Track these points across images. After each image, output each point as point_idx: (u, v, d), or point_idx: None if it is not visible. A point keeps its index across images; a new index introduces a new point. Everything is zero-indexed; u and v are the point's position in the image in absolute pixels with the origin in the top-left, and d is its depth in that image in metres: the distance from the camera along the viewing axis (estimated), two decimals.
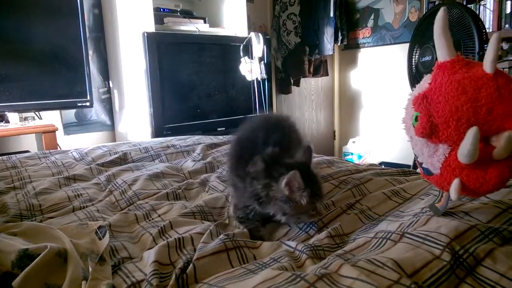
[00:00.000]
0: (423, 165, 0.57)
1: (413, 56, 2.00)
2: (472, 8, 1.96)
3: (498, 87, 0.49)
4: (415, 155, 0.59)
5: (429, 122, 0.50)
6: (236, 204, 0.77)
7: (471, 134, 0.46)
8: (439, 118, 0.49)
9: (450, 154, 0.50)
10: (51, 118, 2.43)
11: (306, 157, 0.71)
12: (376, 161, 3.33)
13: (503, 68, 2.35)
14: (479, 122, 0.48)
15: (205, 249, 0.58)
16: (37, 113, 2.30)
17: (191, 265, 0.54)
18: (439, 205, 0.62)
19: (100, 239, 0.66)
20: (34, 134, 2.18)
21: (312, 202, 0.66)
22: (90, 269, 0.56)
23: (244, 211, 0.73)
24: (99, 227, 0.69)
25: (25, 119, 2.25)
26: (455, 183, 0.50)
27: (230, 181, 0.81)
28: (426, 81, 0.55)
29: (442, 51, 0.54)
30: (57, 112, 2.48)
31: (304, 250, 0.57)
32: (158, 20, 2.42)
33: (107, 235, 0.66)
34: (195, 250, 0.60)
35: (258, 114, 0.74)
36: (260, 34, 2.66)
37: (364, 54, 3.37)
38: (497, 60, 0.51)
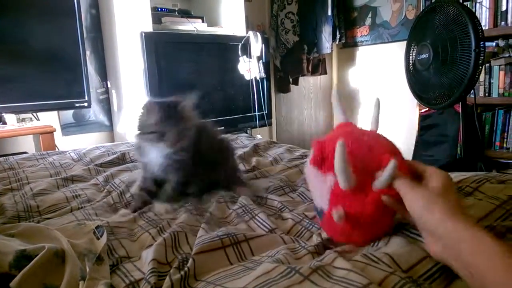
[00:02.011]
0: (318, 208, 0.62)
1: (411, 54, 2.01)
2: (468, 6, 1.96)
3: (377, 135, 0.61)
4: (313, 201, 0.66)
5: (320, 152, 0.57)
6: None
7: (338, 147, 0.51)
8: (329, 150, 0.57)
9: (335, 183, 0.55)
10: (49, 119, 2.43)
11: (176, 99, 0.84)
12: None
13: (500, 65, 2.36)
14: (361, 155, 0.55)
15: (203, 243, 0.58)
16: (34, 114, 2.30)
17: (190, 259, 0.55)
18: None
19: (98, 238, 0.66)
20: (31, 135, 2.18)
21: (160, 126, 0.79)
22: (88, 269, 0.56)
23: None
24: (97, 227, 0.69)
25: (23, 120, 2.25)
26: (338, 210, 0.54)
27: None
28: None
29: (339, 116, 0.68)
30: (55, 113, 2.47)
31: (306, 246, 0.58)
32: (156, 19, 2.42)
33: (105, 234, 0.66)
34: (191, 249, 0.60)
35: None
36: (258, 33, 2.66)
37: (362, 52, 3.38)
38: (378, 120, 0.65)
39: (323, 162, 0.57)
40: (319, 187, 0.59)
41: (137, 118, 0.83)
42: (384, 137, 0.60)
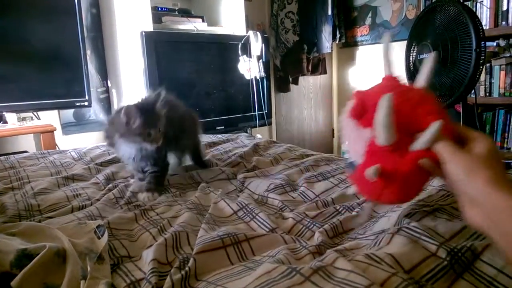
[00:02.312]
0: (348, 160, 0.59)
1: (411, 54, 2.01)
2: (469, 6, 1.96)
3: (425, 93, 0.56)
4: (345, 153, 0.61)
5: (361, 103, 0.54)
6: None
7: (384, 100, 0.48)
8: (371, 102, 0.54)
9: (373, 138, 0.52)
10: (50, 118, 2.42)
11: (153, 97, 0.94)
12: None
13: (500, 65, 2.36)
14: (405, 112, 0.52)
15: (204, 243, 0.58)
16: (35, 113, 2.30)
17: (191, 259, 0.55)
18: (361, 221, 0.66)
19: (98, 238, 0.66)
20: (32, 134, 2.17)
21: (144, 128, 0.88)
22: (89, 268, 0.56)
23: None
24: (98, 226, 0.69)
25: (23, 119, 2.25)
26: (373, 166, 0.52)
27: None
28: None
29: (386, 69, 0.62)
30: (55, 112, 2.47)
31: (307, 246, 0.58)
32: (156, 19, 2.41)
33: (106, 234, 0.66)
34: (192, 250, 0.60)
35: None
36: (258, 33, 2.66)
37: (362, 52, 3.37)
38: (430, 77, 0.58)
39: (363, 115, 0.54)
40: (355, 140, 0.56)
41: (118, 123, 0.91)
42: (431, 96, 0.56)
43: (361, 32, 3.32)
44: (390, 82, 0.59)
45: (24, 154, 1.40)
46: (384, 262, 0.47)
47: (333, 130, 3.74)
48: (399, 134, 0.50)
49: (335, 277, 0.46)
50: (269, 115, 2.93)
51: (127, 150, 0.97)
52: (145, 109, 0.89)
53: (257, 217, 0.73)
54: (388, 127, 0.49)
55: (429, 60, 0.59)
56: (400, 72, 2.67)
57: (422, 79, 0.58)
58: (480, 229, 0.45)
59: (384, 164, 0.52)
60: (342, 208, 0.76)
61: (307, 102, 3.53)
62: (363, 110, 0.54)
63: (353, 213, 0.73)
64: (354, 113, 0.55)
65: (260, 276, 0.47)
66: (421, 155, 0.50)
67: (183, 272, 0.52)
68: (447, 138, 0.49)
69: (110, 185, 0.99)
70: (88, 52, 2.54)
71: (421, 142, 0.49)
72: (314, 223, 0.69)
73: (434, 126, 0.48)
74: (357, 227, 0.67)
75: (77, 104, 2.25)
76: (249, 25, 2.95)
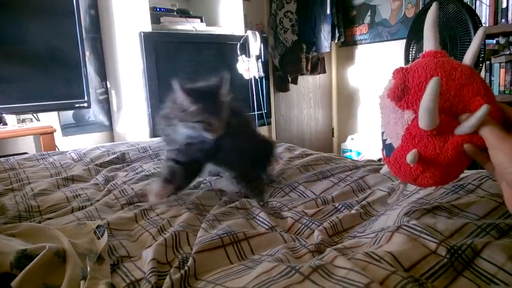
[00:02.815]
0: (386, 142, 0.57)
1: (410, 52, 2.01)
2: (468, 3, 1.96)
3: (472, 72, 0.52)
4: (382, 134, 0.60)
5: (402, 84, 0.51)
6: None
7: (432, 83, 0.45)
8: (413, 82, 0.51)
9: (413, 121, 0.50)
10: (49, 119, 2.42)
11: (216, 82, 0.82)
12: (375, 157, 3.33)
13: (501, 63, 2.35)
14: (450, 94, 0.50)
15: (203, 242, 0.58)
16: (34, 114, 2.30)
17: (191, 258, 0.55)
18: (391, 201, 0.64)
19: (98, 238, 0.66)
20: (32, 136, 2.17)
21: (206, 117, 0.77)
22: (89, 269, 0.56)
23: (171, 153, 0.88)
24: (98, 227, 0.69)
25: (23, 121, 2.25)
26: (413, 151, 0.50)
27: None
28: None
29: (429, 42, 0.57)
30: (55, 113, 2.47)
31: (306, 245, 0.58)
32: (155, 19, 2.41)
33: (106, 234, 0.66)
34: (192, 250, 0.60)
35: None
36: (257, 33, 2.66)
37: (362, 51, 3.37)
38: (477, 54, 0.54)
39: (403, 95, 0.51)
40: (393, 121, 0.53)
41: (175, 102, 0.81)
42: (478, 75, 0.52)
43: (360, 31, 3.31)
44: (436, 57, 0.54)
45: (24, 156, 1.40)
46: (383, 260, 0.47)
47: (332, 129, 3.74)
48: (442, 116, 0.48)
49: (335, 276, 0.46)
50: (269, 115, 2.93)
51: (180, 136, 0.84)
52: (208, 93, 0.80)
53: (257, 216, 0.73)
54: (432, 112, 0.46)
55: (477, 36, 0.54)
56: None
57: (469, 57, 0.54)
58: None
59: (424, 149, 0.49)
60: (341, 206, 0.76)
61: (306, 102, 3.52)
62: (404, 91, 0.51)
63: (352, 211, 0.73)
64: (394, 95, 0.52)
65: (259, 275, 0.47)
66: (465, 140, 0.48)
67: (182, 271, 0.52)
68: (494, 121, 0.47)
69: (109, 186, 0.99)
70: (87, 53, 2.54)
71: (466, 126, 0.47)
72: (313, 221, 0.69)
73: (481, 110, 0.45)
74: (386, 207, 0.65)
75: (77, 105, 2.25)
76: (248, 25, 2.95)
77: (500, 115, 0.49)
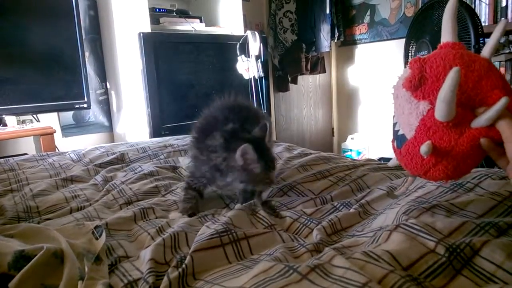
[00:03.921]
0: (398, 133, 0.56)
1: (410, 51, 2.00)
2: (467, 2, 1.96)
3: (490, 65, 0.51)
4: (394, 125, 0.58)
5: (420, 74, 0.50)
6: (194, 173, 0.88)
7: (452, 74, 0.45)
8: (431, 73, 0.50)
9: (428, 112, 0.49)
10: (49, 120, 2.42)
11: (261, 132, 0.82)
12: (375, 157, 3.33)
13: (500, 61, 2.35)
14: (467, 86, 0.49)
15: (202, 241, 0.58)
16: (34, 115, 2.30)
17: (188, 257, 0.54)
18: (398, 192, 0.63)
19: (96, 239, 0.66)
20: (32, 137, 2.18)
21: (265, 172, 0.77)
22: (87, 269, 0.56)
23: (198, 180, 0.85)
24: (96, 227, 0.69)
25: (23, 122, 2.25)
26: (427, 142, 0.49)
27: (192, 154, 0.91)
28: None
29: (447, 34, 0.56)
30: (54, 114, 2.47)
31: (305, 244, 0.57)
32: (154, 20, 2.41)
33: (104, 234, 0.66)
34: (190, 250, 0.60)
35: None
36: (256, 33, 2.66)
37: (361, 50, 3.37)
38: (496, 47, 0.53)
39: (420, 85, 0.50)
40: (407, 111, 0.52)
41: (228, 158, 0.78)
42: (496, 68, 0.51)
43: (360, 30, 3.31)
44: (454, 49, 0.53)
45: (24, 157, 1.40)
46: (382, 259, 0.47)
47: (332, 128, 3.73)
48: (459, 109, 0.47)
49: (332, 275, 0.45)
50: (269, 114, 2.93)
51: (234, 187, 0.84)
52: (262, 150, 0.78)
53: (257, 214, 0.73)
54: (450, 103, 0.45)
55: (497, 29, 0.53)
56: (399, 70, 2.66)
57: (488, 49, 0.53)
58: None
59: (439, 140, 0.49)
60: (340, 205, 0.76)
61: (306, 101, 3.52)
62: (421, 82, 0.50)
63: (351, 210, 0.72)
64: (410, 84, 0.50)
65: (257, 275, 0.47)
66: (482, 133, 0.47)
67: (180, 270, 0.52)
68: (511, 115, 0.46)
69: (108, 186, 0.99)
70: (87, 54, 2.54)
71: (483, 118, 0.46)
72: (311, 220, 0.69)
73: (500, 102, 0.44)
74: (393, 198, 0.64)
75: (76, 106, 2.25)
76: (247, 25, 2.95)
77: None
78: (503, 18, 0.53)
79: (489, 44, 0.53)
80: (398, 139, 0.55)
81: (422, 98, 0.50)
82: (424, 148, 0.49)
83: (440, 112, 0.47)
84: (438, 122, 0.48)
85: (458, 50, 0.53)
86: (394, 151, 0.58)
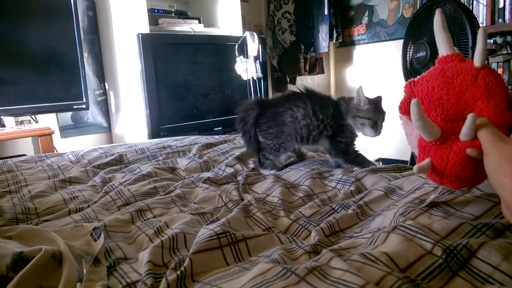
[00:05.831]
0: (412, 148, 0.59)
1: (408, 52, 2.01)
2: (465, 3, 1.96)
3: (476, 76, 0.52)
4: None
5: (408, 99, 0.53)
6: (269, 146, 1.07)
7: (412, 107, 0.47)
8: (418, 95, 0.53)
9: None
10: (48, 121, 2.42)
11: (378, 98, 1.03)
12: (373, 157, 3.33)
13: (498, 62, 2.36)
14: (450, 103, 0.51)
15: (200, 242, 0.58)
16: (33, 116, 2.30)
17: (187, 259, 0.54)
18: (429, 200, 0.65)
19: (95, 240, 0.66)
20: (30, 138, 2.17)
21: (374, 116, 0.98)
22: (85, 271, 0.56)
23: (276, 152, 1.07)
24: (94, 229, 0.69)
25: (21, 122, 2.25)
26: (425, 161, 0.52)
27: (271, 131, 1.08)
28: None
29: (442, 46, 0.58)
30: (53, 115, 2.47)
31: (303, 246, 0.57)
32: (153, 21, 2.42)
33: (102, 236, 0.66)
34: (188, 252, 0.60)
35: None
36: (255, 33, 2.66)
37: (359, 51, 3.38)
38: (484, 54, 0.53)
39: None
40: (409, 132, 0.56)
41: (354, 100, 1.02)
42: (483, 76, 0.51)
43: (358, 31, 3.32)
44: (443, 65, 0.55)
45: (22, 158, 1.40)
46: (379, 261, 0.47)
47: None
48: (448, 125, 0.49)
49: (330, 277, 0.45)
50: None
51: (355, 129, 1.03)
52: (378, 101, 1.02)
53: (254, 216, 0.73)
54: (425, 127, 0.48)
55: (479, 39, 0.53)
56: (397, 71, 2.67)
57: (476, 58, 0.53)
58: None
59: (434, 157, 0.51)
60: (338, 206, 0.76)
61: None
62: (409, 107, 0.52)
63: (349, 211, 0.73)
64: (401, 109, 0.55)
65: (255, 277, 0.47)
66: (466, 145, 0.48)
67: (178, 272, 0.52)
68: (491, 125, 0.46)
69: (106, 187, 0.99)
70: (85, 54, 2.54)
71: (462, 134, 0.48)
72: (310, 222, 0.69)
73: (468, 119, 0.46)
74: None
75: (75, 107, 2.25)
76: (246, 26, 2.95)
77: (509, 117, 0.48)
78: (481, 27, 0.55)
79: (477, 53, 0.54)
80: (414, 157, 0.60)
81: None
82: (415, 168, 0.52)
83: (423, 135, 0.50)
84: (428, 142, 0.51)
85: (448, 64, 0.55)
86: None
